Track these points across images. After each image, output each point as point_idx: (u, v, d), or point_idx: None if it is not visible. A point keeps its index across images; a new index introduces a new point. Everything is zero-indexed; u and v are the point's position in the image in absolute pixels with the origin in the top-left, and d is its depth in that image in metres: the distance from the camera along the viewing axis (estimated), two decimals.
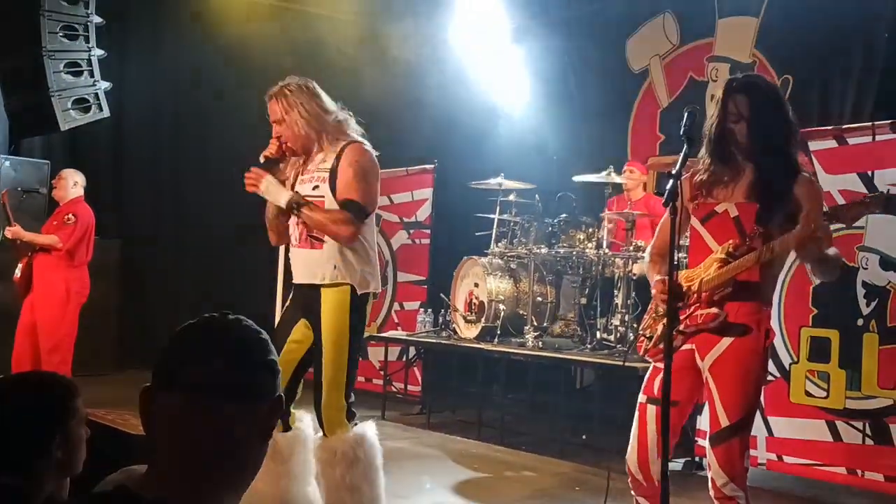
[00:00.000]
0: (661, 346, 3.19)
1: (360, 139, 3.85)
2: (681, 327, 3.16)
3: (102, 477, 2.36)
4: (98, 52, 8.86)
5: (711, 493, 3.13)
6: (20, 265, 6.53)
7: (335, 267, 3.74)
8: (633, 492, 3.30)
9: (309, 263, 3.82)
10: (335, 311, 3.73)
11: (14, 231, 6.47)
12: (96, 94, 8.90)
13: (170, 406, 1.34)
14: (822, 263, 3.10)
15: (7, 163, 8.64)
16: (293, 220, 3.88)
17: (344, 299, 3.73)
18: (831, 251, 3.08)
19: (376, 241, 3.97)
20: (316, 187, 3.78)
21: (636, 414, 3.28)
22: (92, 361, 8.76)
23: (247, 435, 1.38)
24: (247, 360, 1.38)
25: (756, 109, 3.13)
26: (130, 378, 8.85)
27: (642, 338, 3.39)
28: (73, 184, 6.74)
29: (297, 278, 3.92)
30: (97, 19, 8.89)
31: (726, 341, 3.10)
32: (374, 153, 3.84)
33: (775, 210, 3.10)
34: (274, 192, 3.79)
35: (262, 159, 3.85)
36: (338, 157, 3.75)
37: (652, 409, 3.19)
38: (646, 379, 3.32)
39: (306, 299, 3.84)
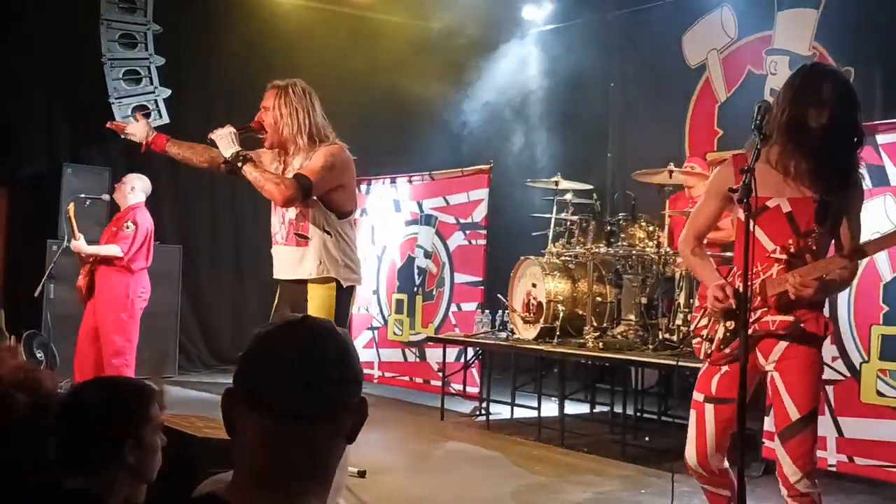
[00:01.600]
0: (726, 350, 3.18)
1: (339, 142, 4.16)
2: (748, 331, 3.02)
3: (170, 479, 2.38)
4: (157, 59, 9.00)
5: (784, 492, 3.08)
6: (82, 271, 6.62)
7: (320, 262, 4.04)
8: (698, 482, 3.36)
9: (295, 260, 4.10)
10: (322, 306, 4.03)
11: (77, 246, 6.53)
12: (156, 101, 9.04)
13: (256, 425, 1.32)
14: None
15: (69, 170, 8.82)
16: (278, 218, 4.19)
17: (330, 294, 4.05)
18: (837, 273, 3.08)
19: (357, 237, 4.31)
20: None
21: (692, 412, 3.29)
22: (154, 366, 8.90)
23: (335, 446, 1.37)
24: (333, 378, 1.34)
25: (835, 102, 3.00)
26: (193, 381, 8.99)
27: (700, 340, 3.32)
28: (130, 189, 6.77)
29: (282, 274, 4.20)
30: (155, 27, 9.04)
31: (788, 339, 3.10)
32: (352, 157, 4.16)
33: (832, 210, 3.05)
34: (225, 142, 4.04)
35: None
36: (313, 155, 4.05)
37: (710, 408, 3.21)
38: (700, 377, 3.31)
39: (293, 295, 4.14)
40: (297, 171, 3.99)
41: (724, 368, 3.20)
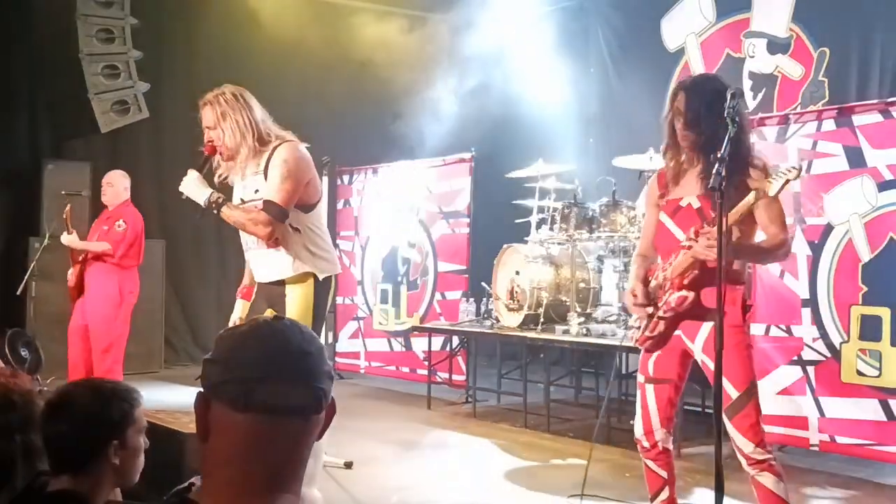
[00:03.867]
0: (647, 334, 3.51)
1: (290, 138, 4.08)
2: (660, 313, 3.44)
3: (158, 475, 2.40)
4: (135, 53, 8.96)
5: (743, 462, 3.36)
6: (72, 270, 6.62)
7: (294, 260, 4.01)
8: (641, 454, 3.67)
9: (269, 263, 4.07)
10: (300, 302, 4.01)
11: (70, 240, 6.54)
12: (135, 96, 9.00)
13: (242, 425, 1.32)
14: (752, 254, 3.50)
15: (50, 166, 8.78)
16: None
17: (308, 290, 4.03)
18: (766, 243, 3.38)
19: (325, 224, 4.23)
20: (256, 190, 4.02)
21: (638, 392, 3.64)
22: (140, 360, 8.90)
23: (312, 442, 1.38)
24: (311, 374, 1.36)
25: (693, 107, 3.34)
26: (179, 375, 8.98)
27: (633, 328, 3.67)
28: (123, 189, 6.78)
29: (260, 278, 4.19)
30: (133, 21, 8.99)
31: (709, 324, 3.34)
32: (304, 146, 4.08)
33: (732, 200, 3.25)
34: (194, 191, 4.05)
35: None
36: (269, 158, 3.99)
37: (650, 388, 3.57)
38: (640, 362, 3.65)
39: (270, 294, 4.13)
40: (263, 200, 3.95)
41: (658, 352, 3.53)
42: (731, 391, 3.28)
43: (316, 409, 1.36)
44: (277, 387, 1.32)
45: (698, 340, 3.41)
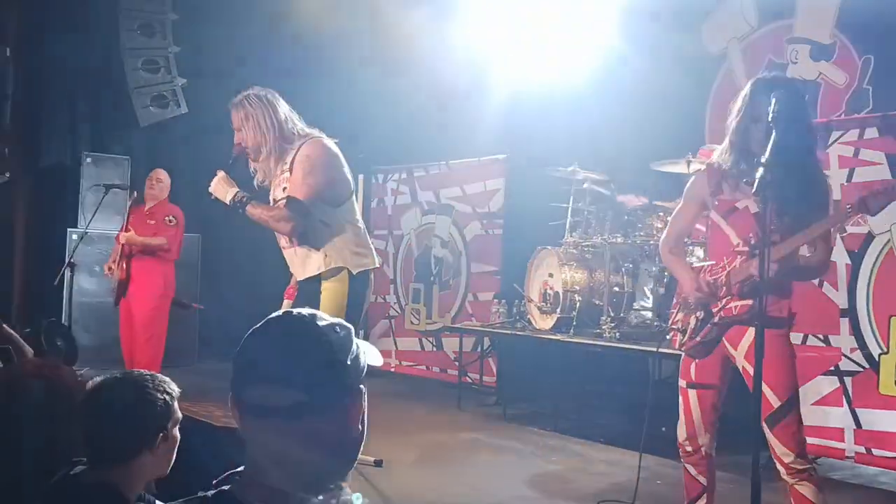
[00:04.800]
0: (696, 339, 3.45)
1: (316, 134, 4.12)
2: (715, 319, 3.39)
3: (185, 467, 2.41)
4: (174, 48, 9.02)
5: (781, 471, 3.31)
6: (117, 262, 6.75)
7: (326, 255, 4.03)
8: (682, 458, 3.65)
9: (302, 260, 4.11)
10: (333, 298, 4.03)
11: (129, 237, 6.73)
12: (174, 91, 9.07)
13: (242, 422, 1.35)
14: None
15: (89, 159, 8.88)
16: None
17: (341, 285, 4.04)
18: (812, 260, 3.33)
19: (359, 217, 4.24)
20: (284, 188, 4.06)
21: (680, 397, 3.59)
22: (174, 353, 8.94)
23: (323, 443, 1.37)
24: (297, 374, 1.35)
25: (776, 111, 3.14)
26: (212, 368, 9.03)
27: (674, 331, 3.61)
28: (167, 186, 7.00)
29: (298, 276, 4.22)
30: (174, 16, 9.05)
31: (753, 330, 3.22)
32: (332, 142, 4.11)
33: (794, 207, 3.23)
34: (220, 191, 4.09)
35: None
36: (294, 156, 4.04)
37: (692, 393, 3.53)
38: (681, 365, 3.60)
39: (309, 291, 4.14)
40: (287, 196, 3.98)
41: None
42: (773, 400, 3.24)
43: (307, 410, 1.33)
44: (259, 389, 1.33)
45: (742, 347, 3.37)
